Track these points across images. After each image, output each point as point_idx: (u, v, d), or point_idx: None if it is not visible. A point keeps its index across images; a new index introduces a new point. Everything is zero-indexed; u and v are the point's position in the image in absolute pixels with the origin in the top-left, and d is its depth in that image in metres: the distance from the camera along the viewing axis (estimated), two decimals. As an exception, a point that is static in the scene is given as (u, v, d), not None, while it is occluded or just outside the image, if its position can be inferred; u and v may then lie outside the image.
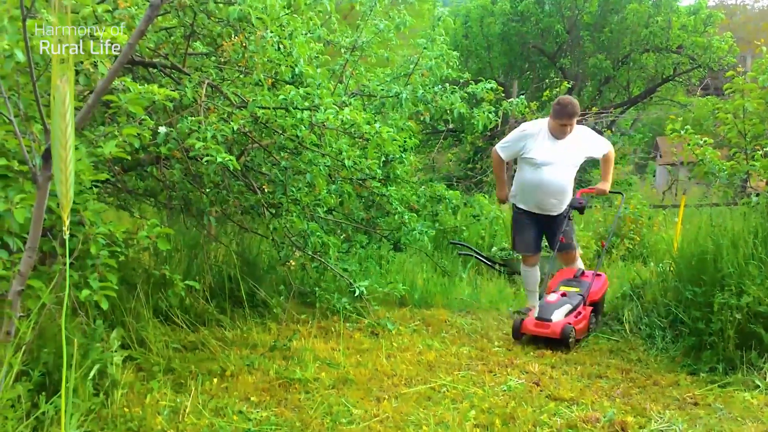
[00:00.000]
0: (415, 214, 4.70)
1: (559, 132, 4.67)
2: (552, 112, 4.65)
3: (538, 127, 4.78)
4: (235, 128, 3.26)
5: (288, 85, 3.64)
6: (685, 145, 5.14)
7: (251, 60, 3.52)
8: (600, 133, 14.14)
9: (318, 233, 3.95)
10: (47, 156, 1.98)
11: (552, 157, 4.67)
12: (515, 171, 5.12)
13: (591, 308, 4.59)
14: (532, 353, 4.23)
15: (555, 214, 4.84)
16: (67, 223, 0.91)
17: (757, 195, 4.59)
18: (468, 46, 15.25)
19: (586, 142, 4.85)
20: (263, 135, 3.75)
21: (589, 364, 3.98)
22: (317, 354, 3.91)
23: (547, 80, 15.73)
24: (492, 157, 5.07)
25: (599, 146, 4.91)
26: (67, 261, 1.13)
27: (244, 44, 3.43)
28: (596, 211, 9.30)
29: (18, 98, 2.32)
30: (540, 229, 4.97)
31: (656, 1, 14.11)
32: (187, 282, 3.25)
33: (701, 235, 4.35)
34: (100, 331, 3.04)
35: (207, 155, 3.01)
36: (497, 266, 6.97)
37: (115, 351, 2.96)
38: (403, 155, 4.47)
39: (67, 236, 0.91)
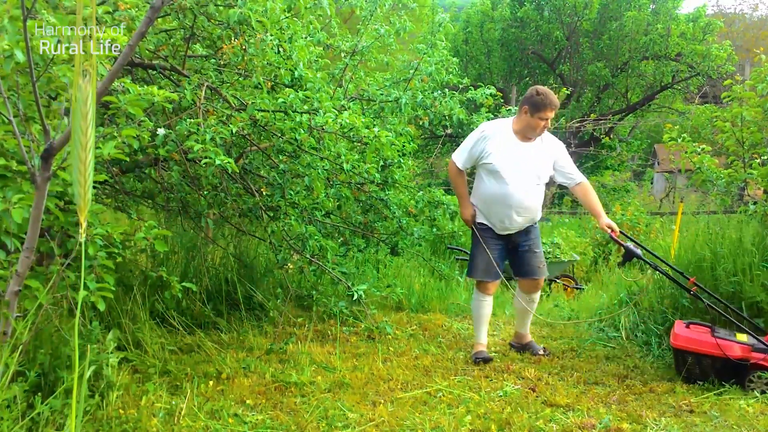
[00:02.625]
0: (413, 219, 4.70)
1: (535, 130, 3.96)
2: (530, 105, 3.90)
3: (499, 127, 4.06)
4: (234, 131, 3.26)
5: (287, 89, 3.65)
6: (683, 153, 5.16)
7: (251, 63, 3.53)
8: (598, 139, 14.19)
9: (316, 236, 3.95)
10: (46, 156, 1.98)
11: (517, 164, 3.96)
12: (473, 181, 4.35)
13: None
14: (528, 359, 4.23)
15: (520, 231, 4.13)
16: (84, 225, 0.91)
17: (755, 203, 4.61)
18: (468, 52, 15.30)
19: (557, 154, 4.10)
20: (262, 138, 3.76)
21: (585, 370, 3.98)
22: (313, 357, 3.91)
23: (546, 86, 15.76)
24: (449, 168, 4.28)
25: (572, 167, 4.12)
26: (83, 264, 1.13)
27: (243, 47, 3.43)
28: (593, 217, 9.30)
29: (17, 98, 2.32)
30: (504, 251, 4.21)
31: (655, 9, 14.16)
32: (184, 284, 3.25)
33: (698, 242, 4.36)
34: (96, 333, 3.04)
35: (205, 157, 3.01)
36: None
37: (111, 353, 2.96)
38: (402, 160, 4.48)
39: (83, 238, 0.92)
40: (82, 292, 2.52)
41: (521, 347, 4.40)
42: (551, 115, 3.91)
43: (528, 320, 4.41)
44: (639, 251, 3.86)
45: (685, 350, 3.64)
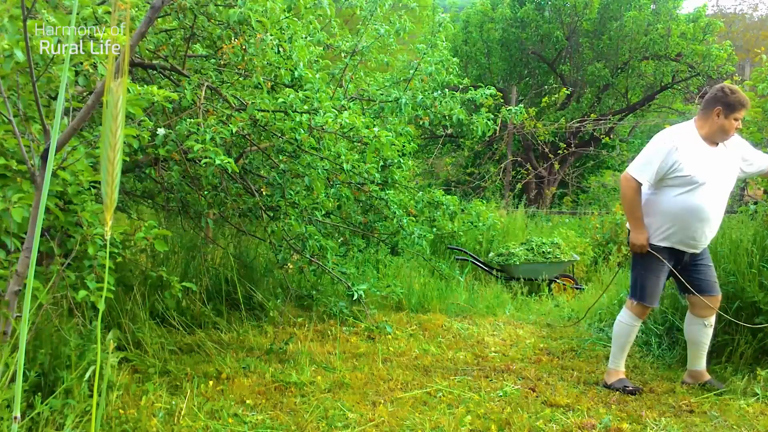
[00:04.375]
0: (413, 219, 4.70)
1: (728, 133, 3.49)
2: (724, 106, 3.43)
3: (684, 134, 3.54)
4: (234, 131, 3.26)
5: (287, 89, 3.65)
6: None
7: (251, 63, 3.53)
8: (598, 140, 14.21)
9: (316, 236, 3.95)
10: (46, 156, 1.98)
11: (713, 173, 3.46)
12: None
13: None
14: (528, 359, 4.23)
15: (700, 250, 3.64)
16: (110, 223, 0.92)
17: (755, 203, 4.61)
18: (468, 52, 15.28)
19: (743, 149, 3.66)
20: (262, 138, 3.76)
21: (585, 370, 3.98)
22: (313, 357, 3.91)
23: (546, 86, 15.75)
24: (622, 185, 3.60)
25: (759, 153, 3.67)
26: (107, 263, 1.13)
27: (243, 47, 3.43)
28: (593, 217, 9.30)
29: (17, 98, 2.32)
30: (668, 273, 3.69)
31: (656, 9, 14.15)
32: (184, 284, 3.25)
33: (698, 242, 4.35)
34: (96, 333, 3.04)
35: (205, 157, 3.02)
36: (494, 271, 6.99)
37: (111, 352, 2.96)
38: (402, 160, 4.48)
39: (108, 237, 0.92)
40: (82, 293, 2.52)
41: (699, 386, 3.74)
42: (744, 114, 3.49)
43: (704, 352, 3.71)
44: None
45: None
